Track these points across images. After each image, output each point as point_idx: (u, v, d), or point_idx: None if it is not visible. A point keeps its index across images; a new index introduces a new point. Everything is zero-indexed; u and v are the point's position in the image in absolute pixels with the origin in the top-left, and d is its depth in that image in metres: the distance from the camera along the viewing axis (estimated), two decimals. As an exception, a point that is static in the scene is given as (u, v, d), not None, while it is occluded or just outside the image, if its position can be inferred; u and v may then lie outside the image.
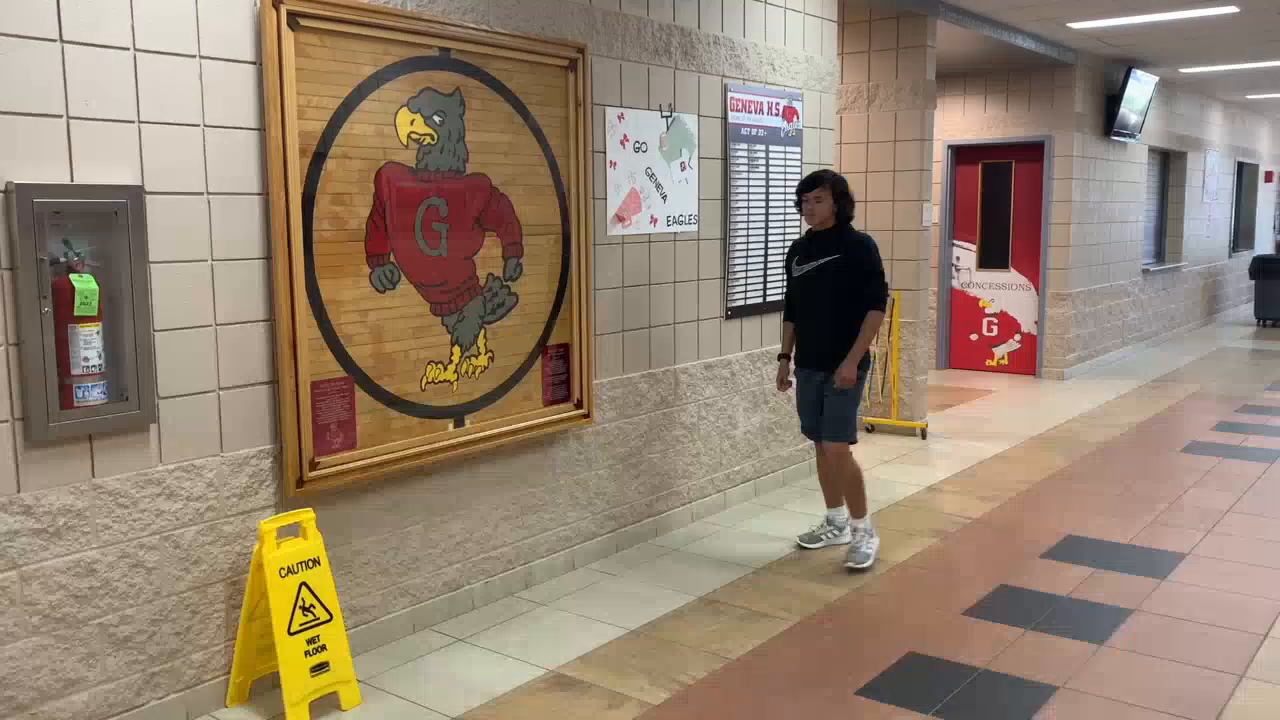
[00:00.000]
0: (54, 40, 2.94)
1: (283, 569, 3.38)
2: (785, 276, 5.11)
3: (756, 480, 6.02)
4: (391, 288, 3.87)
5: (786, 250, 5.23)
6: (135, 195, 3.11)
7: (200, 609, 3.40)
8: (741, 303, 5.76)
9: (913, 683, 3.69)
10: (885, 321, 7.54)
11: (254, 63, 3.39)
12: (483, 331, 4.24)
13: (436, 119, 3.96)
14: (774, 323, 6.07)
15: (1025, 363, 10.32)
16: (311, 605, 3.44)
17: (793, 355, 5.13)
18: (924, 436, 7.59)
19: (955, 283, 10.55)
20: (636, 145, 4.95)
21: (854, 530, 4.98)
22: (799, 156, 6.11)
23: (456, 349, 4.15)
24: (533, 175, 4.40)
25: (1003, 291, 10.35)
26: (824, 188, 4.76)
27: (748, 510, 5.77)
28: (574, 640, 4.05)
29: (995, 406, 8.85)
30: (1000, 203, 10.25)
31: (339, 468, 3.70)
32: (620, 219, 4.90)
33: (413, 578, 4.10)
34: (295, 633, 3.39)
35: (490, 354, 4.29)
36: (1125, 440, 7.51)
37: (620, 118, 4.84)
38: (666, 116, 5.12)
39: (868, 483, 5.15)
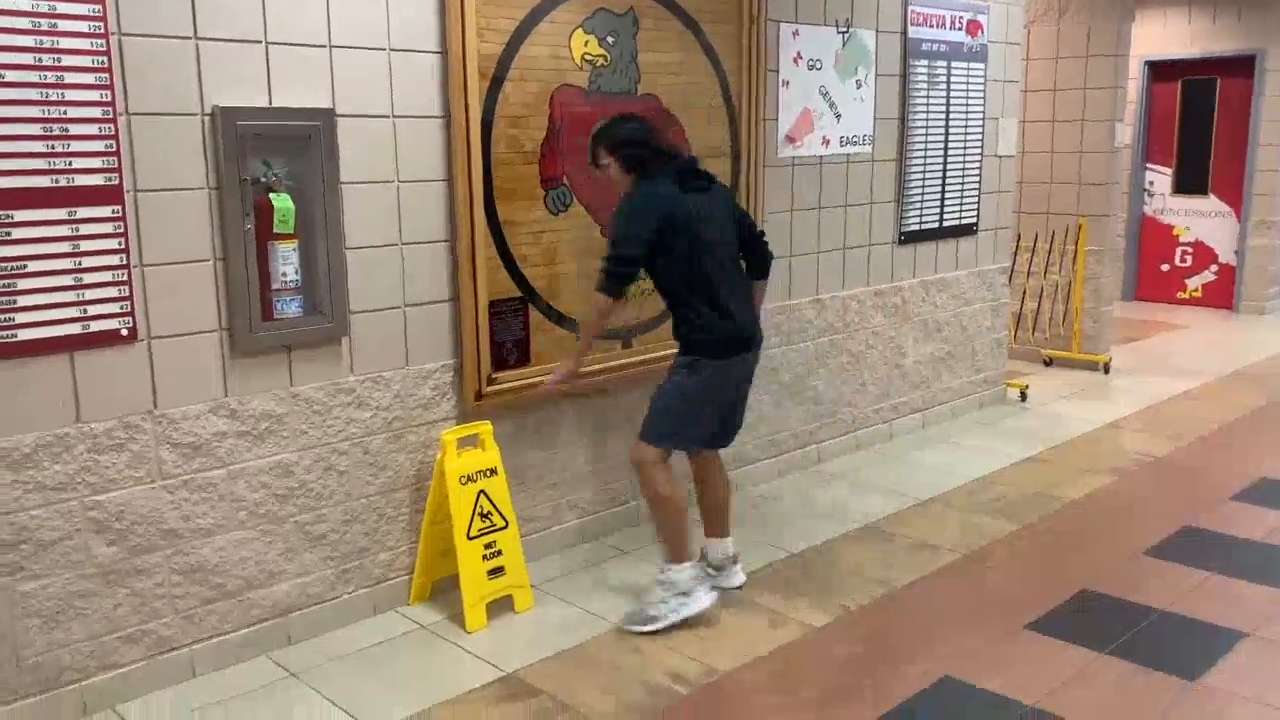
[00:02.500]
0: (253, -32, 3.08)
1: (463, 477, 3.52)
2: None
3: (924, 411, 5.90)
4: (564, 210, 3.94)
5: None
6: (328, 118, 3.26)
7: (386, 512, 3.61)
8: (916, 227, 5.59)
9: (1086, 620, 3.59)
10: (1069, 250, 7.18)
11: (436, -14, 3.47)
12: (652, 254, 4.25)
13: (609, 40, 3.96)
14: (950, 248, 5.86)
15: (1221, 296, 9.64)
16: (489, 512, 3.58)
17: None
18: (1107, 371, 7.24)
19: (1147, 209, 9.91)
20: (810, 63, 4.83)
21: (661, 583, 3.53)
22: (983, 73, 5.82)
23: (626, 271, 4.18)
24: (703, 95, 4.35)
25: (1199, 219, 9.66)
26: (601, 150, 3.57)
27: (914, 442, 5.66)
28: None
29: (1186, 341, 8.34)
30: (1201, 123, 9.50)
31: (514, 383, 3.83)
32: (791, 140, 4.81)
33: (582, 491, 4.23)
34: (474, 537, 3.54)
35: (659, 276, 4.31)
36: (1334, 380, 6.97)
37: (795, 34, 4.72)
38: (843, 32, 4.96)
39: (1046, 417, 4.90)
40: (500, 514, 3.63)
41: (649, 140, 3.55)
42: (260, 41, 3.12)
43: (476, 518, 3.55)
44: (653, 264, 3.50)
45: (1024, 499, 4.78)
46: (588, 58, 3.91)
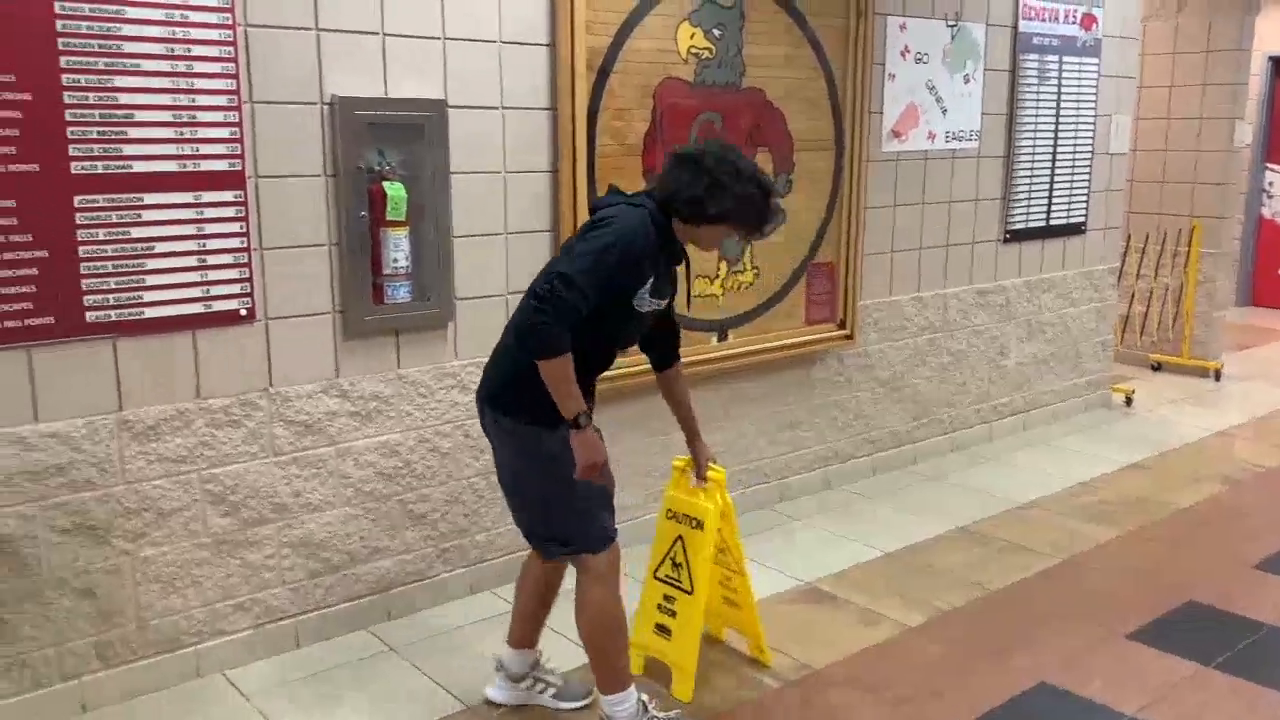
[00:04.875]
0: (372, -38, 3.17)
1: (670, 511, 3.18)
2: (618, 305, 2.69)
3: (1025, 414, 5.77)
4: (665, 201, 3.95)
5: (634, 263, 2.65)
6: (439, 109, 3.34)
7: (485, 494, 3.69)
8: (1022, 225, 5.47)
9: (1191, 632, 3.48)
10: (1177, 251, 6.93)
11: (547, -21, 3.52)
12: (749, 248, 4.26)
13: (716, 32, 3.97)
14: (1056, 248, 5.72)
15: (1345, 303, 9.21)
16: (681, 564, 3.13)
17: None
18: (1217, 378, 6.98)
19: (1266, 211, 9.51)
20: (917, 56, 4.76)
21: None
22: (1096, 68, 5.66)
23: (723, 264, 4.20)
24: (808, 88, 4.33)
25: (1324, 222, 9.23)
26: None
27: (1014, 444, 5.55)
28: (828, 556, 4.08)
29: (1305, 350, 7.99)
30: (1329, 121, 9.08)
31: (612, 372, 3.84)
32: (896, 134, 4.75)
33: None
34: (658, 579, 3.19)
35: (756, 270, 4.32)
36: None
37: (902, 28, 4.66)
38: (952, 26, 4.88)
39: (1152, 423, 4.75)
40: (691, 577, 3.10)
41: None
42: (377, 33, 3.21)
43: (668, 561, 3.17)
44: None
45: (1126, 506, 4.65)
46: (694, 50, 3.92)
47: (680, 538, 3.14)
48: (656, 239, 2.67)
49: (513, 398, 2.68)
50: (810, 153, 4.39)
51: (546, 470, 2.69)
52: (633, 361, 3.91)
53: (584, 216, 3.68)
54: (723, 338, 4.26)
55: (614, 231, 2.59)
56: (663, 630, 3.16)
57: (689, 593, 3.09)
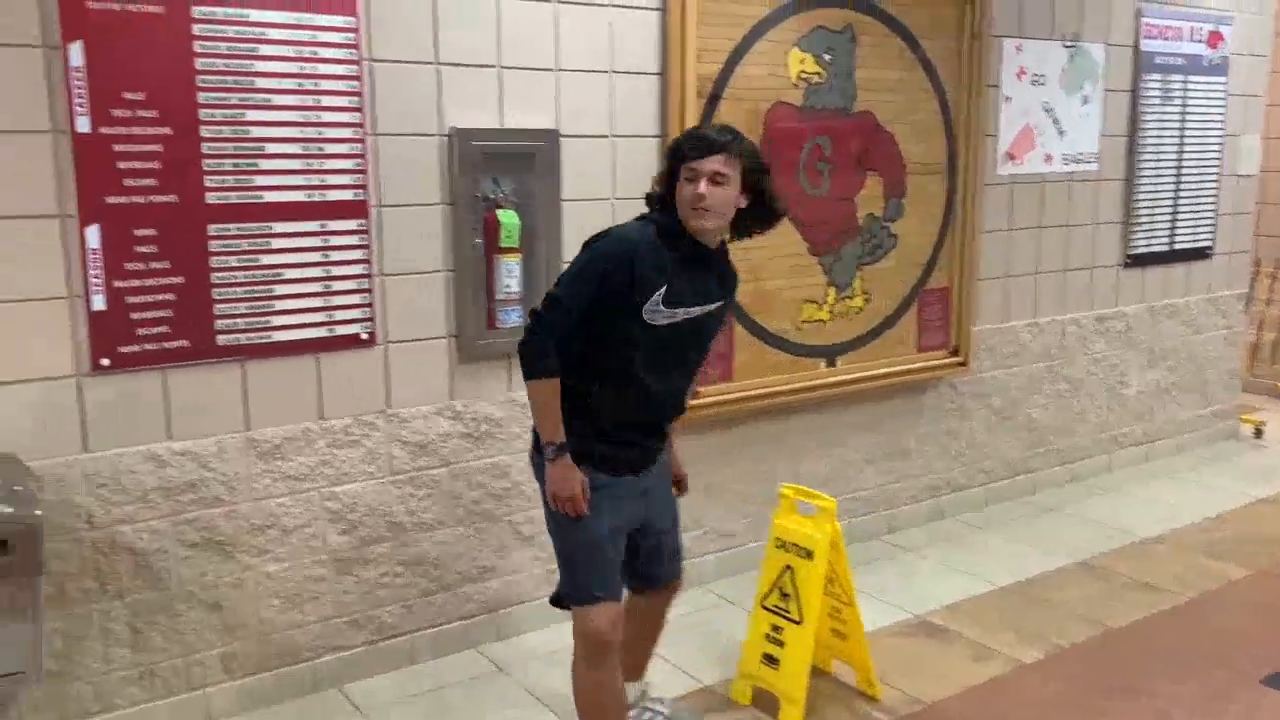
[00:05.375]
0: (490, -4, 3.27)
1: (780, 541, 3.16)
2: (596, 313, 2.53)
3: (1148, 445, 5.55)
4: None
5: (603, 255, 2.54)
6: (552, 138, 3.40)
7: (592, 518, 3.72)
8: (1144, 250, 5.28)
9: (1333, 681, 3.29)
10: None
11: (659, 9, 3.56)
12: (859, 272, 4.22)
13: (826, 57, 3.96)
14: (1180, 273, 5.51)
15: None
16: (789, 595, 3.10)
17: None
18: (1357, 409, 6.60)
19: None
20: (1034, 78, 4.66)
21: None
22: (1223, 87, 5.45)
23: (832, 289, 4.16)
24: (919, 111, 4.28)
25: None
26: (731, 157, 2.52)
27: (1135, 475, 5.34)
28: (938, 589, 3.99)
29: None
30: None
31: (716, 398, 3.87)
32: (1011, 157, 4.66)
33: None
34: (766, 609, 3.17)
35: (866, 295, 4.27)
36: None
37: (1018, 49, 4.57)
38: (1070, 46, 4.76)
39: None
40: (800, 607, 3.08)
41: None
42: (494, 66, 3.29)
43: (776, 591, 3.15)
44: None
45: (1258, 543, 4.43)
46: (803, 75, 3.91)
47: (789, 567, 3.11)
48: (662, 243, 2.52)
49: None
50: (923, 176, 4.33)
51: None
52: (739, 386, 3.91)
53: (693, 242, 3.71)
54: (831, 364, 4.22)
55: (600, 243, 2.54)
56: (770, 660, 3.13)
57: (798, 623, 3.06)
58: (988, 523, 4.70)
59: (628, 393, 2.58)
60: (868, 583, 4.02)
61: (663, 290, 2.50)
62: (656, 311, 2.51)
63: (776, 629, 3.13)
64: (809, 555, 3.07)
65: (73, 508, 2.80)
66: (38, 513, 2.39)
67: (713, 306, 2.63)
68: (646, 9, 3.54)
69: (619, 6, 3.49)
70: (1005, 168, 4.64)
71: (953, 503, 4.77)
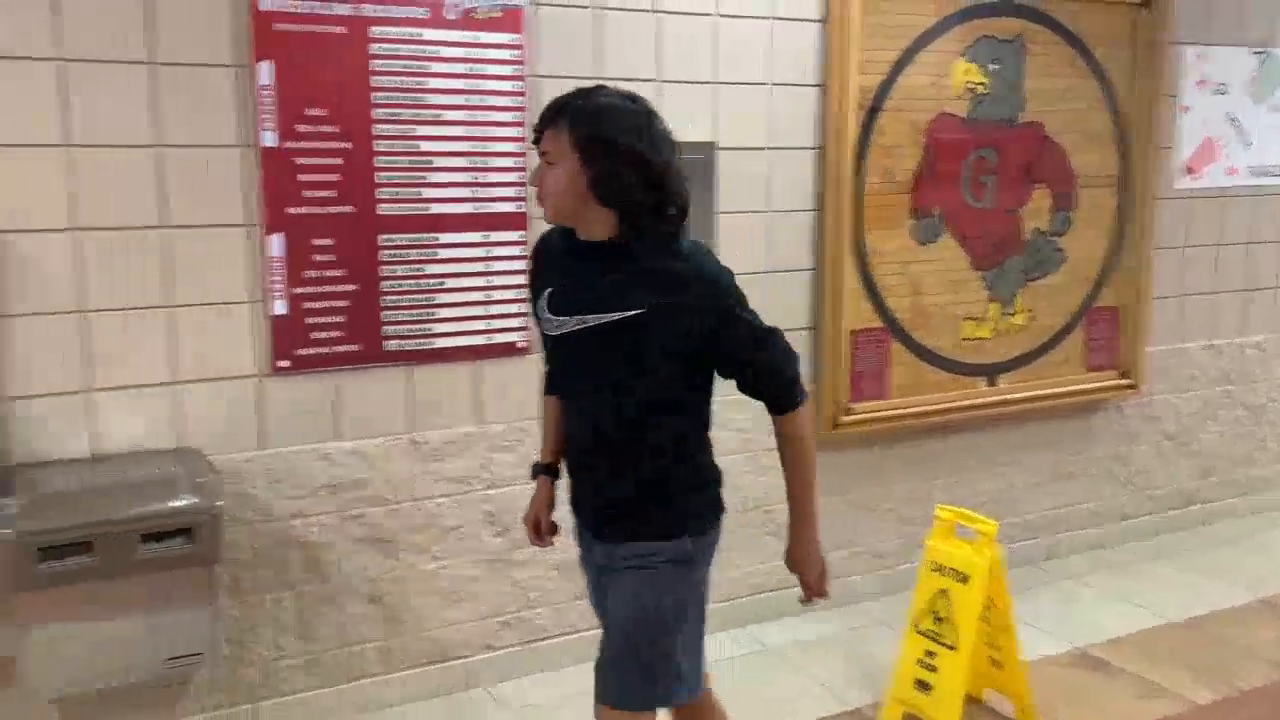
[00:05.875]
0: (649, 11, 3.30)
1: (935, 564, 3.08)
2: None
3: (1338, 477, 5.16)
4: (933, 240, 3.86)
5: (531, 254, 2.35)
6: (709, 151, 3.42)
7: (737, 531, 3.69)
8: (1337, 268, 4.92)
9: None
10: None
11: (820, 20, 3.53)
12: (1023, 289, 4.07)
13: (992, 67, 3.85)
14: (1379, 294, 5.10)
15: None
16: (944, 619, 3.02)
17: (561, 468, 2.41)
18: None
19: None
20: (1217, 87, 4.40)
21: None
22: None
23: (994, 305, 4.03)
24: (1089, 122, 4.10)
25: None
26: (557, 130, 2.02)
27: (1325, 510, 4.97)
28: (1102, 620, 3.80)
29: None
30: None
31: (870, 415, 3.80)
32: (1190, 170, 4.41)
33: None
34: (920, 633, 3.09)
35: (1030, 313, 4.12)
36: None
37: (1198, 56, 4.33)
38: (1259, 53, 4.48)
39: None
40: (955, 633, 2.99)
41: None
42: (653, 80, 3.33)
43: (930, 615, 3.07)
44: (660, 376, 2.07)
45: None
46: (969, 85, 3.81)
47: (944, 591, 3.02)
48: (558, 240, 2.16)
49: None
50: (1093, 190, 4.15)
51: None
52: (895, 403, 3.83)
53: (849, 255, 3.66)
54: (992, 383, 4.08)
55: None
56: (922, 686, 3.04)
57: (953, 649, 2.97)
58: (1157, 553, 4.45)
59: (567, 410, 2.27)
60: (1026, 611, 3.85)
61: (547, 294, 2.13)
62: (545, 319, 2.14)
63: (930, 654, 3.04)
64: (965, 580, 2.97)
65: (249, 501, 2.96)
66: (219, 503, 2.54)
67: (619, 316, 2.01)
68: (807, 20, 3.52)
69: (780, 19, 3.48)
70: (1182, 182, 4.40)
71: (1119, 531, 4.53)
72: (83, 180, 2.68)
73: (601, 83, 2.13)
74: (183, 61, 2.75)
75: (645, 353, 2.03)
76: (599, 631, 2.16)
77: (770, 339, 2.13)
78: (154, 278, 2.79)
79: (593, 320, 2.04)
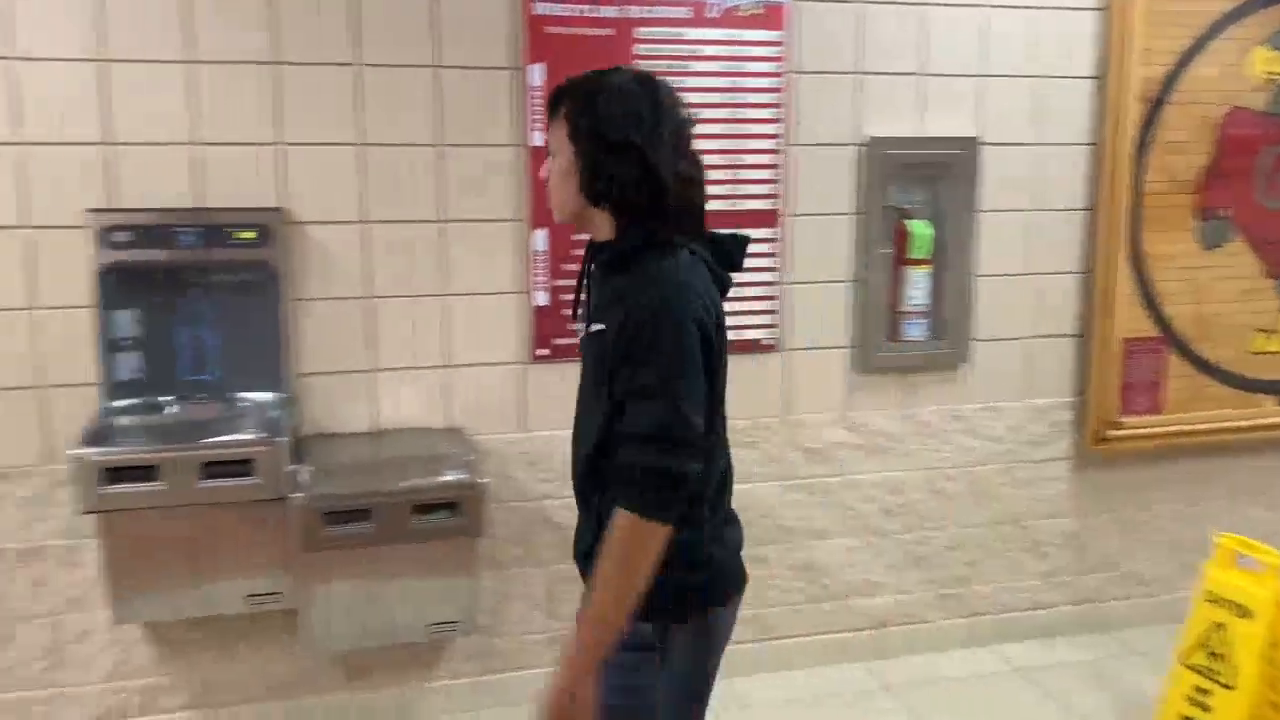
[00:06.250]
0: (913, 3, 3.21)
1: (1212, 595, 2.88)
2: None
3: None
4: (1219, 245, 3.55)
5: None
6: (971, 146, 3.29)
7: (989, 545, 3.55)
8: None
9: None
10: None
11: (1100, 9, 3.32)
12: (1324, 299, 3.67)
13: (1298, 54, 3.49)
14: None
15: None
16: (1220, 655, 2.83)
17: None
18: None
19: None
20: None
21: None
22: None
23: (1286, 316, 3.67)
24: None
25: None
26: (555, 119, 1.82)
27: None
28: None
29: None
30: None
31: (1142, 430, 3.54)
32: None
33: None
34: (1189, 666, 2.90)
35: (1332, 326, 3.71)
36: None
37: None
38: None
39: None
40: (1234, 671, 2.79)
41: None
42: (913, 74, 3.24)
43: (1203, 650, 2.88)
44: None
45: None
46: (1270, 76, 3.47)
47: (1221, 625, 2.79)
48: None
49: None
50: None
51: None
52: (1169, 419, 3.56)
53: (1123, 259, 3.43)
54: (1282, 401, 3.72)
55: None
56: None
57: (1229, 688, 2.74)
58: None
59: None
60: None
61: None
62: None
63: (1201, 691, 2.81)
64: (1247, 614, 2.73)
65: (508, 480, 3.13)
66: (485, 480, 2.70)
67: (593, 329, 1.77)
68: (1085, 9, 3.32)
69: (1054, 8, 3.30)
70: None
71: None
72: (371, 176, 2.92)
73: (621, 65, 1.88)
74: (463, 65, 2.93)
75: (606, 378, 1.70)
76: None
77: (662, 396, 1.61)
78: (431, 267, 2.99)
79: (581, 332, 1.85)
